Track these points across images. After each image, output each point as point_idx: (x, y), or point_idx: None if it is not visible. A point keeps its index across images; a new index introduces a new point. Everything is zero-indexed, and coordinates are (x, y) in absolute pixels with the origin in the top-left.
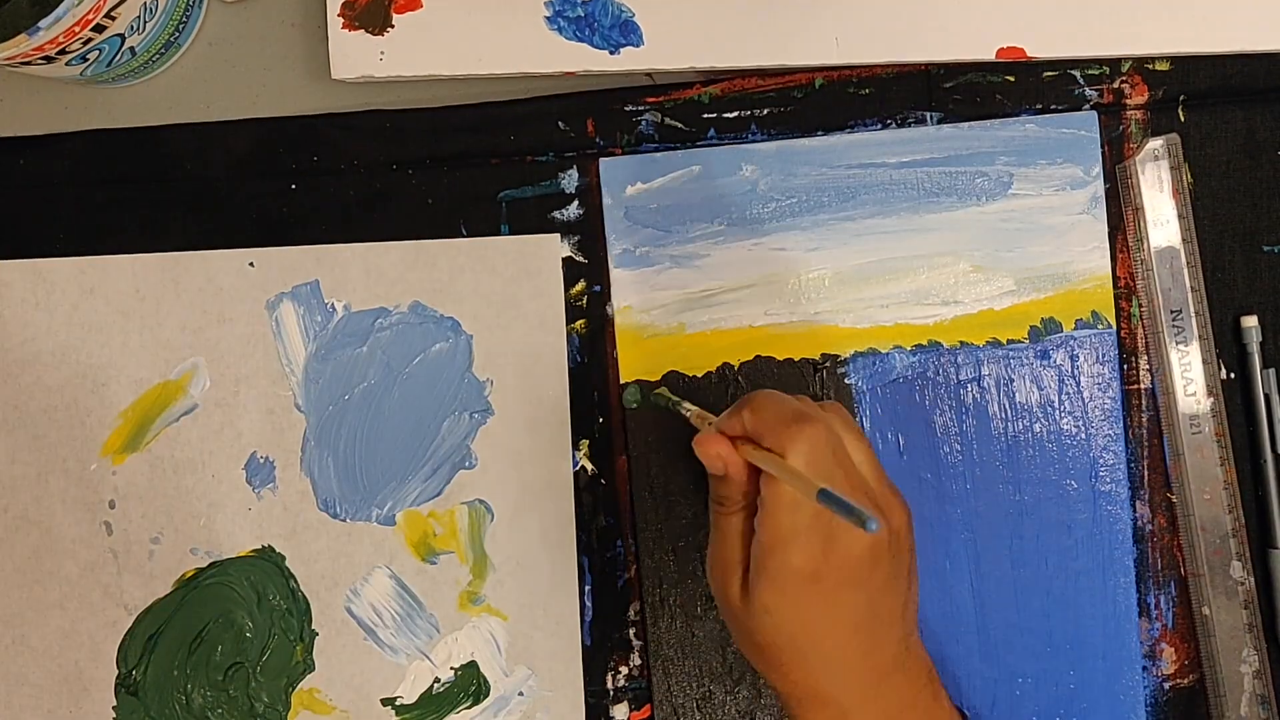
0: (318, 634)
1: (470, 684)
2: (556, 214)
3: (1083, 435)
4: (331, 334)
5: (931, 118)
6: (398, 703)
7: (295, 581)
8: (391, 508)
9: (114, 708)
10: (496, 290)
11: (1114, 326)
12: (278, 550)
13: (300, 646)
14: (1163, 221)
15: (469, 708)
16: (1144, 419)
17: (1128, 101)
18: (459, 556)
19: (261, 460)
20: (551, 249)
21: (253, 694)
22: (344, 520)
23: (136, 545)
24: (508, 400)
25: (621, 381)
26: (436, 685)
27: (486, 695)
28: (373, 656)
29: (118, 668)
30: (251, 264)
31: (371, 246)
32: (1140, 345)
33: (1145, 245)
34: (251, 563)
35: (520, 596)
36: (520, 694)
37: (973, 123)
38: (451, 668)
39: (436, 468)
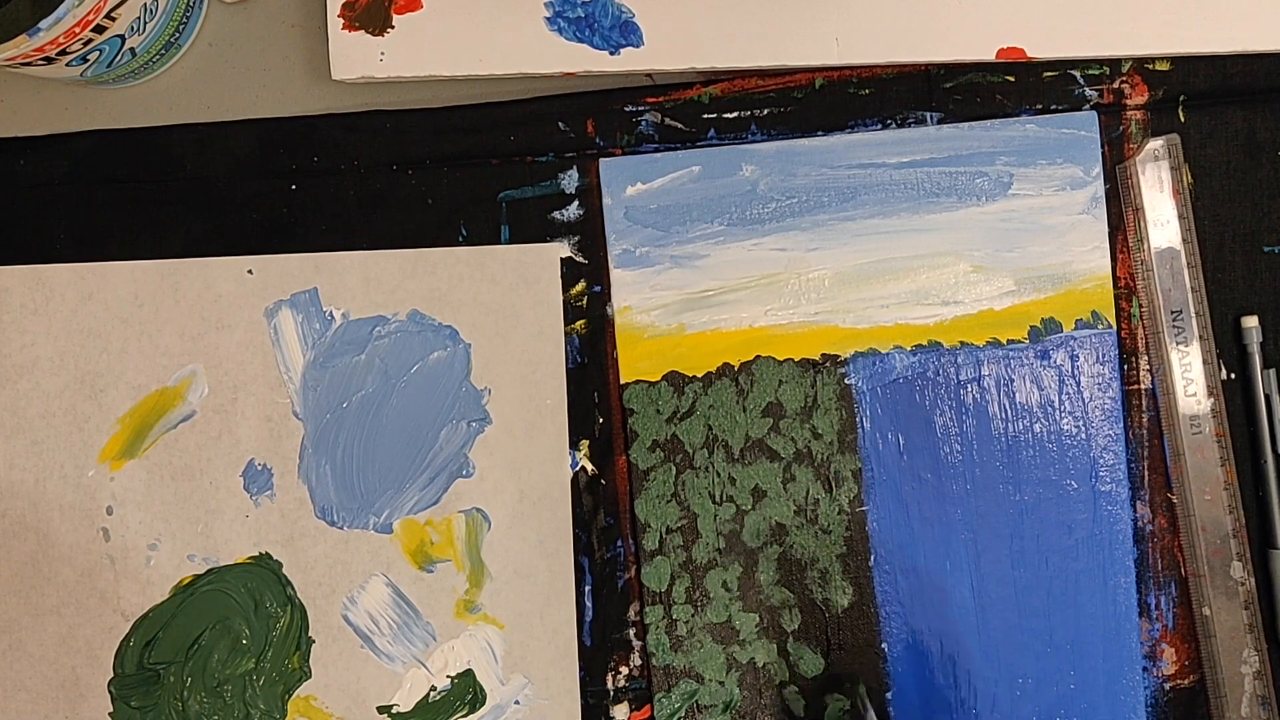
0: (314, 641)
1: (466, 692)
2: (556, 214)
3: (1083, 435)
4: (330, 342)
5: (932, 118)
6: (394, 710)
7: (292, 589)
8: (389, 516)
9: (110, 714)
10: (495, 299)
11: (1114, 327)
12: (275, 557)
13: (297, 654)
14: (1163, 222)
15: (465, 716)
16: (1144, 419)
17: (1128, 102)
18: (456, 565)
19: (259, 467)
20: (551, 258)
21: (249, 701)
22: (341, 528)
23: (134, 551)
24: (505, 409)
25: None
26: (433, 693)
27: (483, 704)
28: (369, 664)
29: (114, 674)
30: (250, 271)
31: (370, 255)
32: (1140, 345)
33: (1145, 245)
34: (249, 570)
35: (517, 605)
36: (516, 702)
37: (973, 123)
38: (448, 676)
39: (434, 476)
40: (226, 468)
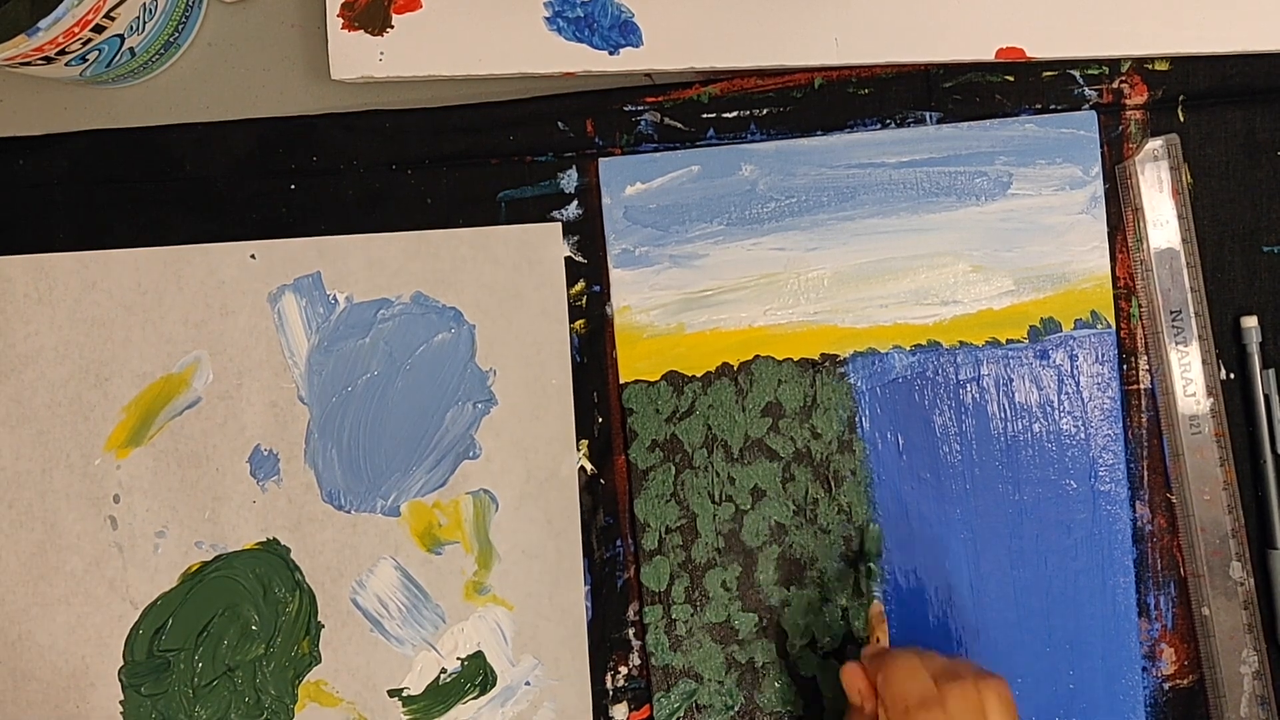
0: (324, 626)
1: (477, 674)
2: (556, 214)
3: (1082, 435)
4: (334, 325)
5: (931, 118)
6: (404, 694)
7: (301, 574)
8: (396, 499)
9: (121, 702)
10: (499, 280)
11: (1113, 326)
12: (283, 543)
13: (306, 639)
14: (1162, 222)
15: (476, 698)
16: (1143, 419)
17: (1127, 101)
18: (464, 546)
19: (265, 453)
20: (553, 238)
21: (259, 687)
22: (349, 512)
23: (141, 539)
24: (511, 389)
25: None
26: (443, 675)
27: (493, 685)
28: (379, 648)
29: (124, 662)
30: (253, 256)
31: (373, 237)
32: (1140, 345)
33: (1145, 245)
34: (257, 555)
35: (526, 586)
36: (527, 683)
37: (972, 123)
38: (458, 658)
39: (440, 458)
40: (233, 454)
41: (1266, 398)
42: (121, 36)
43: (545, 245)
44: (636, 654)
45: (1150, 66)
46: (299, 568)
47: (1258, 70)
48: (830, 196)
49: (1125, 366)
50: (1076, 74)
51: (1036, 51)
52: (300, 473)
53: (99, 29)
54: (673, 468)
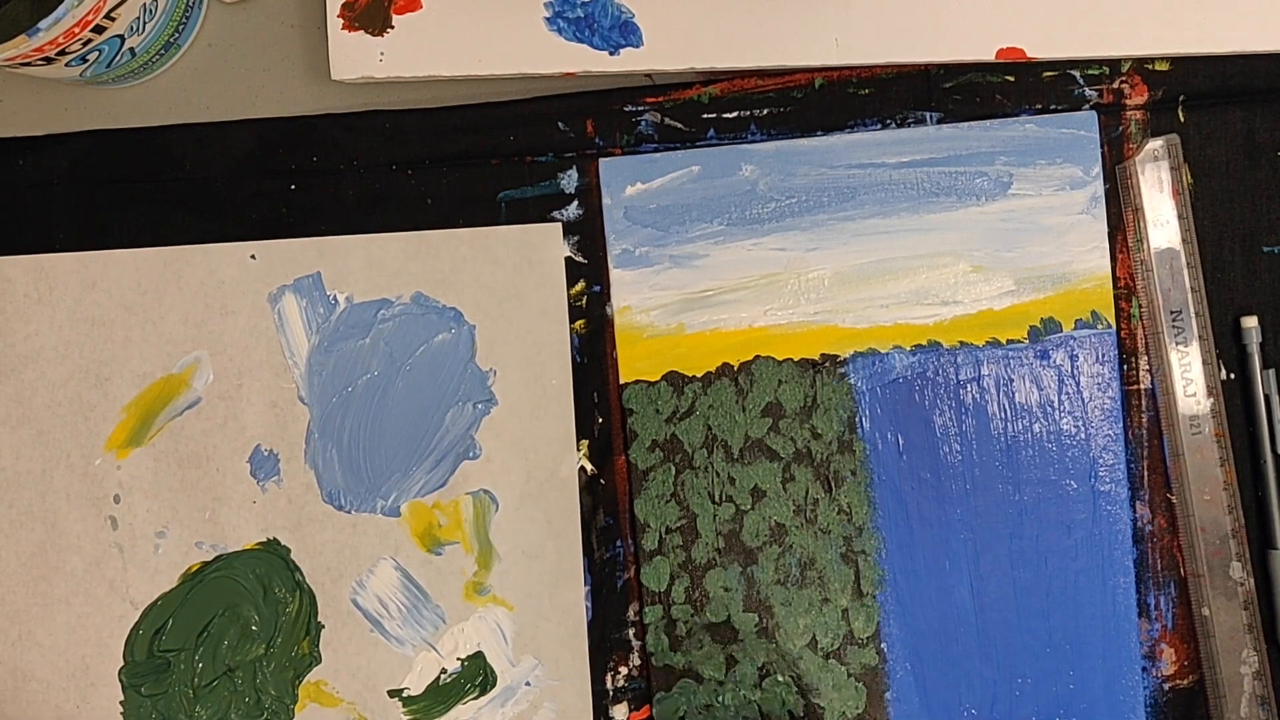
0: (324, 626)
1: (477, 674)
2: (556, 214)
3: (1082, 435)
4: (334, 326)
5: (931, 118)
6: (405, 694)
7: (301, 574)
8: (396, 499)
9: (121, 702)
10: (499, 280)
11: (1114, 327)
12: (283, 543)
13: (306, 639)
14: (1162, 222)
15: (476, 698)
16: (1144, 419)
17: (1127, 102)
18: (464, 547)
19: (266, 453)
20: (553, 238)
21: (260, 687)
22: (349, 512)
23: (142, 539)
24: (511, 390)
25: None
26: (443, 676)
27: (493, 685)
28: (379, 648)
29: (124, 662)
30: (253, 256)
31: (373, 238)
32: (1140, 345)
33: (1145, 245)
34: (257, 556)
35: (526, 586)
36: (527, 683)
37: (972, 123)
38: (458, 658)
39: (441, 458)
40: (233, 454)
41: (1266, 398)
42: (122, 37)
43: (545, 245)
44: (636, 654)
45: (1150, 66)
46: (299, 568)
47: (1258, 70)
48: (830, 196)
49: (1125, 366)
50: (1077, 74)
51: (1036, 52)
52: (300, 473)
53: (99, 29)
54: (673, 468)
